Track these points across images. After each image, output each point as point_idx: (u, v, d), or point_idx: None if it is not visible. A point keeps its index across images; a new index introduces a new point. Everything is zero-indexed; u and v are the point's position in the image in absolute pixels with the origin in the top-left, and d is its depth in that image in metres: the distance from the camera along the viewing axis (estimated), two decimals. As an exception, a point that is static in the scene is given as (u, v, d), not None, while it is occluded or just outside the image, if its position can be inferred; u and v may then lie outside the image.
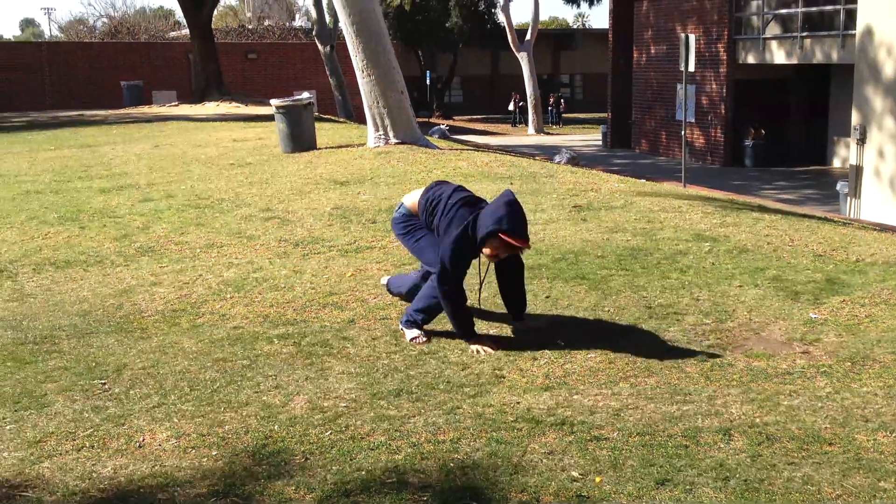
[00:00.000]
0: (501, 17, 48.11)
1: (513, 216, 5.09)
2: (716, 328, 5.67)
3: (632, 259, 7.21)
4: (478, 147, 18.43)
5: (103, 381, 4.98)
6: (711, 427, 4.25)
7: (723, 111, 30.48)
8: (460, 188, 5.62)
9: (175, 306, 6.39)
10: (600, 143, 39.65)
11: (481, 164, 12.66)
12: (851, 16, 24.33)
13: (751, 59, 29.57)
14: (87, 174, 13.04)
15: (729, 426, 4.25)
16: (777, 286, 6.53)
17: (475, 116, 55.11)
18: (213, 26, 32.24)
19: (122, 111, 27.92)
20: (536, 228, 8.23)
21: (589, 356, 5.20)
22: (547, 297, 6.29)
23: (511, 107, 51.03)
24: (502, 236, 5.07)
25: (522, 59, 44.83)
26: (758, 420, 4.32)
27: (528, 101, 46.07)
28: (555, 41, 59.63)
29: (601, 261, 7.15)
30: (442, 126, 31.76)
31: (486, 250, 5.19)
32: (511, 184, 10.66)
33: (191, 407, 4.60)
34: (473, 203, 5.41)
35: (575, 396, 4.64)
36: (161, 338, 5.72)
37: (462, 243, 5.20)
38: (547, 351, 5.28)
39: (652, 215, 8.95)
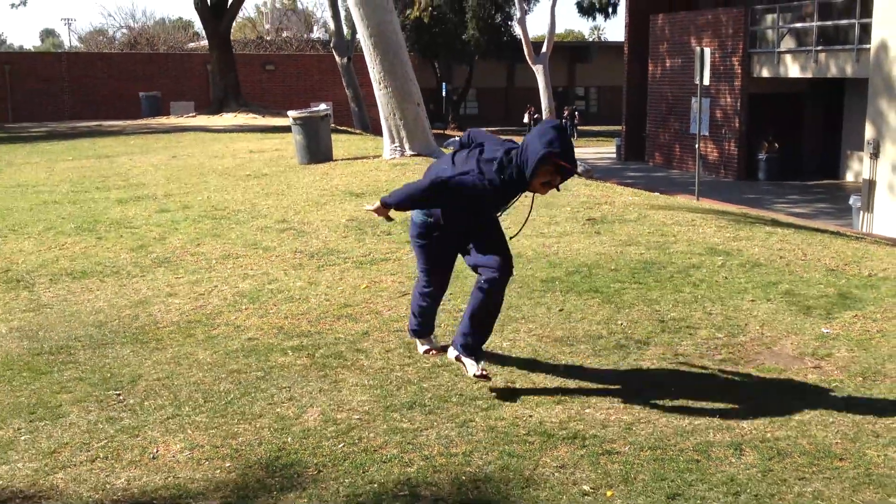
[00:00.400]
0: (517, 30, 48.10)
1: (563, 139, 4.58)
2: (728, 342, 5.68)
3: (645, 272, 7.22)
4: (492, 159, 18.44)
5: (118, 392, 5.02)
6: (723, 441, 4.26)
7: (737, 124, 30.48)
8: (455, 153, 5.11)
9: (190, 317, 6.43)
10: (614, 155, 39.71)
11: (496, 176, 12.68)
12: (866, 30, 24.32)
13: (765, 73, 29.58)
14: (105, 185, 13.13)
15: (740, 441, 4.26)
16: (789, 300, 6.53)
17: (490, 128, 55.06)
18: (231, 38, 32.42)
19: (140, 122, 28.09)
20: (550, 241, 8.26)
21: (601, 370, 5.22)
22: (560, 310, 6.31)
23: (526, 119, 51.08)
24: (555, 160, 4.54)
25: (538, 71, 44.76)
26: (769, 435, 4.33)
27: (543, 113, 45.91)
28: (570, 54, 59.75)
29: (614, 274, 7.17)
30: (457, 138, 31.80)
31: (540, 180, 4.64)
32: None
33: (205, 418, 4.63)
34: (476, 147, 4.94)
35: (587, 410, 4.65)
36: (176, 349, 5.76)
37: (501, 174, 4.69)
38: (559, 364, 5.30)
39: (665, 229, 8.96)
